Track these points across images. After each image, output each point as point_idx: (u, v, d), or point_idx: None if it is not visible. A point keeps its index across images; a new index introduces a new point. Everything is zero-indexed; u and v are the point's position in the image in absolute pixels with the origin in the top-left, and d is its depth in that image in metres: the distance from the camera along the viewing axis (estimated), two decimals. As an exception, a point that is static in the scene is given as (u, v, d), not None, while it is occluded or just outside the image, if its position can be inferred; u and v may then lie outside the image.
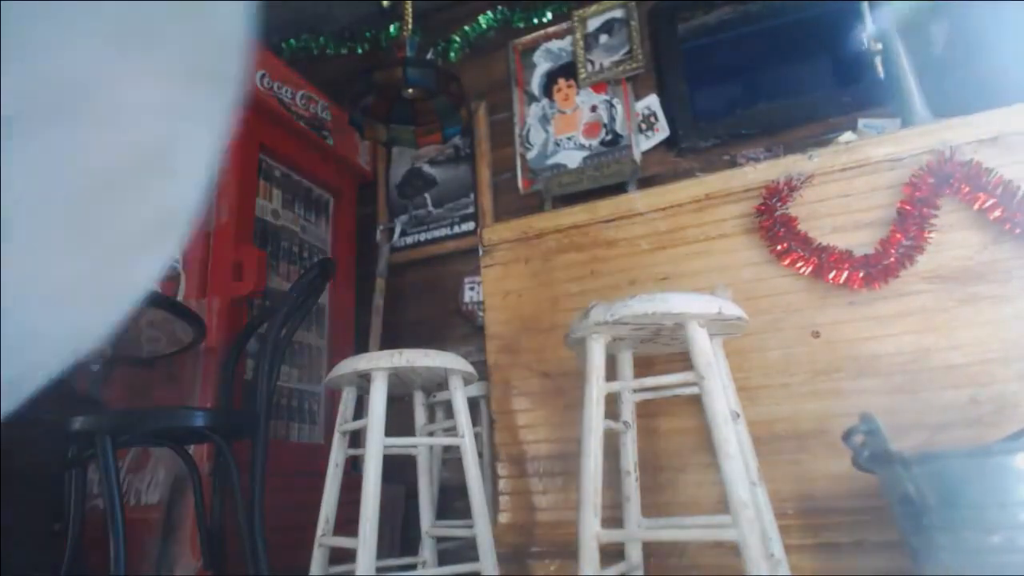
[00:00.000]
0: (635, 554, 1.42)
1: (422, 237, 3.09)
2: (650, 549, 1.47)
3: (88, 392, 2.03)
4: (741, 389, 1.40)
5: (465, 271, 2.90)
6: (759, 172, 1.58)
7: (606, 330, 1.26)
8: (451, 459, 2.35)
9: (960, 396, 1.32)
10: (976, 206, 1.36)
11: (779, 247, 1.50)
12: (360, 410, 1.53)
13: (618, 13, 2.90)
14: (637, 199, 1.72)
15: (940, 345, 1.36)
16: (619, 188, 2.51)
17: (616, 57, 2.86)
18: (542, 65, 3.04)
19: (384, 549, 1.39)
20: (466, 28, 3.18)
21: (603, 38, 2.91)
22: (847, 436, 1.13)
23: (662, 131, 2.71)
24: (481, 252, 1.88)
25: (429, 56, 3.18)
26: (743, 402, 1.39)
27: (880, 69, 1.94)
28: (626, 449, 1.44)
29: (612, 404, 1.46)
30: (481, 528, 1.46)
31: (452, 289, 2.93)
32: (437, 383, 1.69)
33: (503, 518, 1.68)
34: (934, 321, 1.37)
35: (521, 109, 3.02)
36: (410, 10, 2.70)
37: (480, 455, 1.70)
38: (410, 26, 2.68)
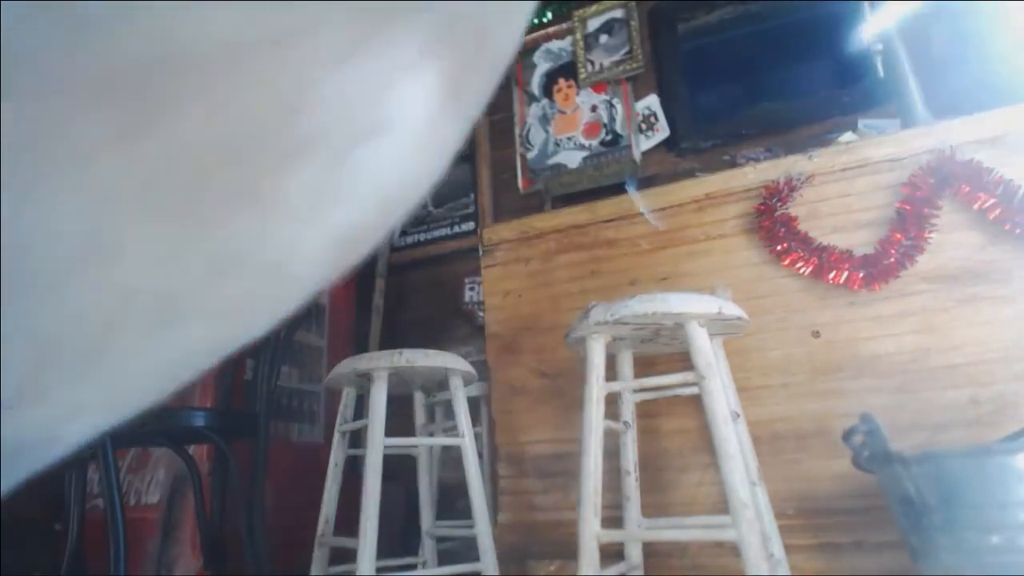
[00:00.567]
0: (635, 554, 1.42)
1: (422, 237, 3.09)
2: (650, 549, 1.47)
3: (88, 392, 2.03)
4: (741, 389, 1.40)
5: (465, 271, 2.90)
6: (759, 172, 1.58)
7: (606, 330, 1.26)
8: (451, 459, 2.35)
9: (960, 396, 1.32)
10: (976, 206, 1.36)
11: (779, 247, 1.50)
12: (360, 410, 1.53)
13: (618, 13, 2.90)
14: (637, 199, 1.72)
15: (940, 345, 1.36)
16: (619, 188, 2.51)
17: (616, 57, 2.86)
18: (542, 65, 3.04)
19: (384, 549, 1.38)
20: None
21: (603, 38, 2.91)
22: (847, 436, 1.13)
23: (662, 131, 2.71)
24: (481, 252, 1.88)
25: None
26: (743, 402, 1.39)
27: (880, 69, 1.95)
28: (626, 449, 1.44)
29: (612, 404, 1.46)
30: (481, 528, 1.46)
31: (452, 289, 2.93)
32: (437, 383, 1.69)
33: (503, 518, 1.68)
34: (934, 321, 1.37)
35: (521, 109, 3.02)
36: (410, 10, 2.69)
37: (480, 455, 1.70)
38: (410, 26, 2.67)
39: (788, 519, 1.35)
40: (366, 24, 0.16)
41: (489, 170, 3.02)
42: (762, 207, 1.53)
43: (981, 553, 0.94)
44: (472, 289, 2.85)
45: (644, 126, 2.75)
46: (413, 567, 1.66)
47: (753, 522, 1.04)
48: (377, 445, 1.38)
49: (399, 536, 2.45)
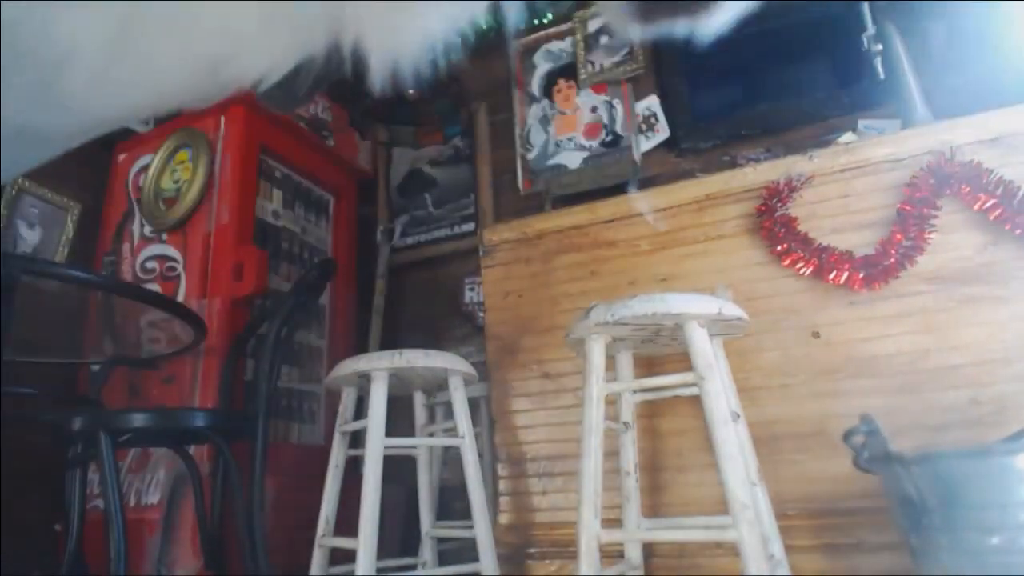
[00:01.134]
0: (635, 554, 1.42)
1: (422, 238, 3.09)
2: (650, 549, 1.47)
3: (88, 392, 2.03)
4: (741, 389, 1.40)
5: (465, 271, 2.90)
6: (759, 173, 1.58)
7: (606, 330, 1.26)
8: (451, 459, 2.35)
9: (960, 397, 1.32)
10: (976, 207, 1.36)
11: (779, 248, 1.50)
12: (360, 410, 1.53)
13: (618, 14, 2.90)
14: (638, 200, 1.72)
15: (940, 345, 1.36)
16: (619, 189, 2.51)
17: (616, 58, 2.86)
18: (542, 66, 3.04)
19: (384, 549, 1.38)
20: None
21: (603, 39, 2.91)
22: (847, 436, 1.13)
23: (662, 132, 2.71)
24: (481, 252, 1.88)
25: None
26: (743, 402, 1.39)
27: (880, 69, 1.94)
28: (626, 449, 1.44)
29: (612, 404, 1.46)
30: (481, 528, 1.46)
31: (452, 289, 2.93)
32: (437, 383, 1.69)
33: (503, 518, 1.68)
34: (934, 321, 1.37)
35: (521, 110, 3.02)
36: (410, 11, 2.70)
37: (480, 455, 1.70)
38: (410, 27, 2.68)
39: (788, 519, 1.35)
40: None
41: (489, 171, 3.02)
42: (762, 208, 1.53)
43: (981, 553, 0.94)
44: (472, 289, 2.85)
45: (644, 127, 2.75)
46: (413, 567, 1.66)
47: (753, 522, 1.04)
48: (377, 445, 1.38)
49: (399, 536, 2.45)
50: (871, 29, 1.88)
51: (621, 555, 1.44)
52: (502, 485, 1.70)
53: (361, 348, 2.81)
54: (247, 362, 2.29)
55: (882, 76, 1.95)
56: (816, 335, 1.46)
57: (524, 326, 1.77)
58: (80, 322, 2.47)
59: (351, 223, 3.10)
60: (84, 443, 1.48)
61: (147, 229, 2.52)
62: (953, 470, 0.97)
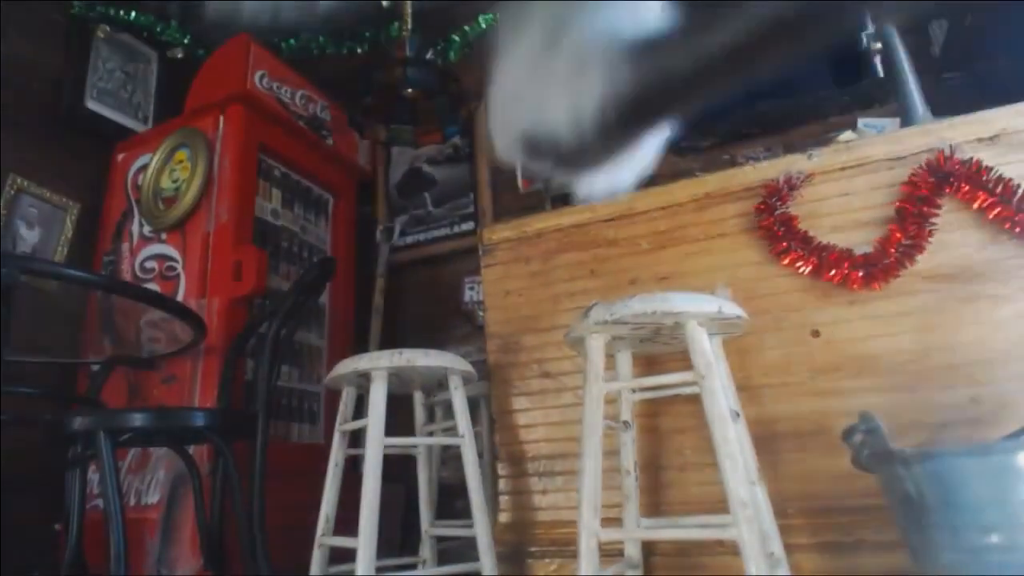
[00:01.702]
0: (635, 554, 1.42)
1: (422, 237, 3.09)
2: (650, 548, 1.47)
3: (88, 392, 2.03)
4: (741, 388, 1.40)
5: (465, 271, 2.89)
6: (759, 171, 1.58)
7: (606, 329, 1.26)
8: (451, 459, 2.35)
9: (960, 395, 1.32)
10: (976, 205, 1.36)
11: (779, 246, 1.50)
12: (360, 410, 1.53)
13: (618, 13, 2.90)
14: (637, 199, 1.72)
15: (940, 344, 1.36)
16: (619, 188, 2.51)
17: (616, 57, 2.86)
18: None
19: (384, 549, 1.38)
20: (466, 28, 3.17)
21: (603, 38, 2.91)
22: (847, 435, 1.13)
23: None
24: (481, 252, 1.88)
25: (429, 56, 3.17)
26: (743, 401, 1.39)
27: (880, 69, 1.94)
28: (626, 449, 1.44)
29: (612, 404, 1.46)
30: (481, 528, 1.46)
31: (452, 289, 2.93)
32: (437, 383, 1.69)
33: (503, 518, 1.68)
34: (934, 320, 1.37)
35: (521, 109, 3.01)
36: (410, 10, 2.70)
37: (480, 455, 1.70)
38: (410, 26, 2.68)
39: (788, 518, 1.35)
40: None
41: (489, 170, 3.02)
42: (762, 206, 1.53)
43: (981, 552, 0.94)
44: (472, 289, 2.85)
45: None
46: (413, 567, 1.66)
47: (753, 521, 1.04)
48: (377, 445, 1.38)
49: (399, 535, 2.45)
50: (871, 28, 1.88)
51: (621, 554, 1.44)
52: (502, 484, 1.70)
53: (361, 347, 2.81)
54: (247, 362, 2.29)
55: (882, 75, 1.95)
56: (816, 334, 1.46)
57: (524, 325, 1.77)
58: (80, 322, 2.47)
59: (350, 222, 3.09)
60: (84, 443, 1.48)
61: (146, 229, 2.52)
62: (953, 469, 0.97)
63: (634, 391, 1.48)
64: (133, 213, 2.58)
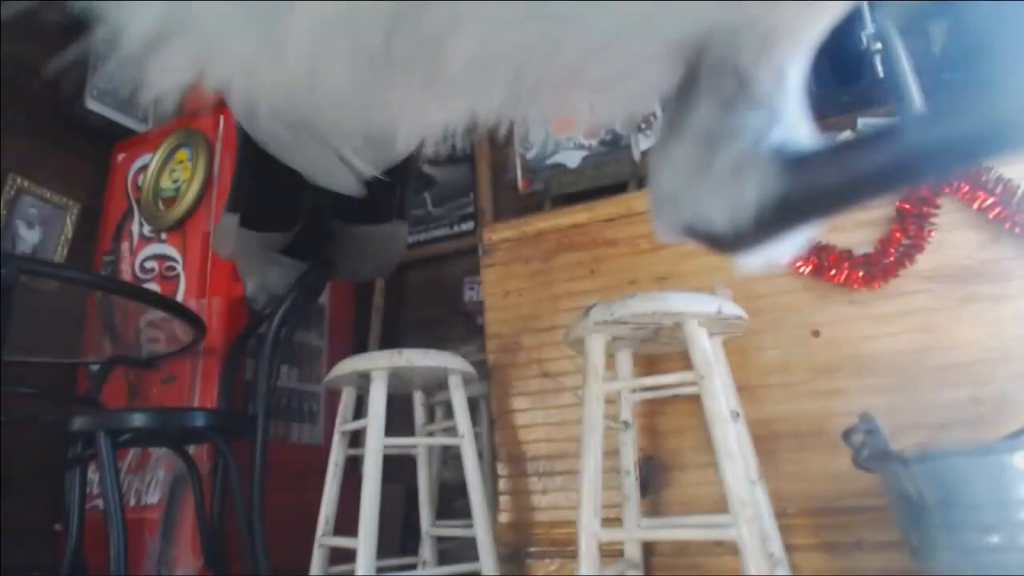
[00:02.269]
0: (635, 553, 1.42)
1: (422, 237, 3.09)
2: (650, 548, 1.47)
3: (88, 392, 2.03)
4: (741, 388, 1.40)
5: (465, 271, 2.89)
6: (759, 171, 1.58)
7: (606, 329, 1.26)
8: (451, 459, 2.35)
9: (960, 395, 1.32)
10: (976, 205, 1.36)
11: (779, 246, 1.50)
12: (360, 410, 1.53)
13: (618, 13, 2.90)
14: (637, 199, 1.72)
15: (940, 344, 1.36)
16: (619, 188, 2.51)
17: (616, 57, 2.86)
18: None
19: (384, 549, 1.38)
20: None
21: (603, 38, 2.91)
22: (847, 435, 1.13)
23: (662, 131, 2.70)
24: (481, 252, 1.88)
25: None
26: (743, 401, 1.39)
27: (880, 69, 1.94)
28: (626, 449, 1.44)
29: (612, 404, 1.46)
30: (481, 528, 1.46)
31: (452, 289, 2.93)
32: (437, 383, 1.69)
33: (503, 518, 1.68)
34: (934, 320, 1.37)
35: (521, 109, 3.01)
36: (410, 10, 2.69)
37: (480, 455, 1.70)
38: (410, 26, 2.67)
39: (788, 518, 1.35)
40: None
41: (488, 170, 3.02)
42: (762, 206, 1.53)
43: (981, 552, 0.94)
44: (472, 289, 2.85)
45: (644, 125, 2.74)
46: (413, 567, 1.66)
47: (753, 521, 1.04)
48: (377, 445, 1.38)
49: (399, 536, 2.45)
50: (871, 28, 1.88)
51: (621, 554, 1.44)
52: (502, 484, 1.70)
53: (361, 348, 2.81)
54: (247, 362, 2.29)
55: (881, 75, 1.95)
56: (816, 334, 1.46)
57: (524, 325, 1.77)
58: (80, 322, 2.47)
59: (351, 222, 3.09)
60: (84, 443, 1.48)
61: (146, 229, 2.52)
62: (953, 468, 0.97)
63: (634, 391, 1.48)
64: (133, 213, 2.58)
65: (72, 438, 1.49)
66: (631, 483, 1.42)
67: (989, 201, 1.34)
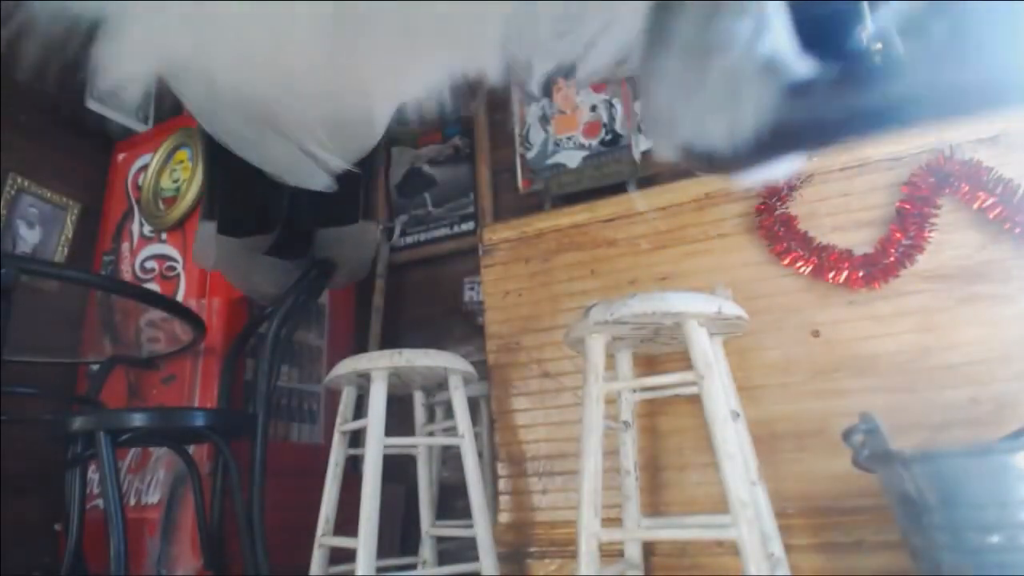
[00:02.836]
0: (635, 553, 1.42)
1: (422, 237, 3.09)
2: (650, 549, 1.47)
3: (88, 392, 2.03)
4: (741, 389, 1.40)
5: (465, 271, 2.89)
6: (759, 172, 1.58)
7: (606, 329, 1.26)
8: (451, 459, 2.35)
9: (960, 395, 1.32)
10: (976, 205, 1.36)
11: (779, 246, 1.50)
12: (360, 410, 1.53)
13: (618, 13, 2.89)
14: (637, 199, 1.72)
15: (940, 344, 1.36)
16: (619, 188, 2.51)
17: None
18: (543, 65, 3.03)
19: (384, 549, 1.38)
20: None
21: (603, 38, 2.91)
22: (847, 435, 1.13)
23: (662, 131, 2.70)
24: (481, 252, 1.88)
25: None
26: (743, 401, 1.39)
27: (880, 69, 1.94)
28: (626, 449, 1.44)
29: (612, 404, 1.46)
30: (481, 528, 1.46)
31: (452, 289, 2.93)
32: (437, 383, 1.69)
33: (503, 518, 1.68)
34: (934, 320, 1.37)
35: (520, 109, 3.01)
36: (410, 10, 2.69)
37: (480, 455, 1.70)
38: (410, 26, 2.67)
39: (788, 518, 1.35)
40: None
41: (489, 170, 3.02)
42: (762, 207, 1.53)
43: (981, 552, 0.94)
44: (472, 289, 2.85)
45: (644, 126, 2.74)
46: (413, 567, 1.66)
47: (753, 521, 1.04)
48: (377, 445, 1.38)
49: (399, 536, 2.45)
50: (870, 28, 1.88)
51: (621, 554, 1.44)
52: (502, 484, 1.70)
53: (361, 347, 2.81)
54: (247, 362, 2.29)
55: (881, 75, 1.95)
56: (816, 334, 1.46)
57: (524, 325, 1.77)
58: (80, 322, 2.47)
59: (351, 222, 3.09)
60: (84, 443, 1.48)
61: (146, 229, 2.52)
62: (953, 469, 0.97)
63: (634, 391, 1.48)
64: (133, 213, 2.58)
65: (72, 438, 1.49)
66: (631, 483, 1.42)
67: (989, 201, 1.34)
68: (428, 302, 3.01)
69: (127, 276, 2.47)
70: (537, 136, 2.94)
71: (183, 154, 2.51)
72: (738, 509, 1.04)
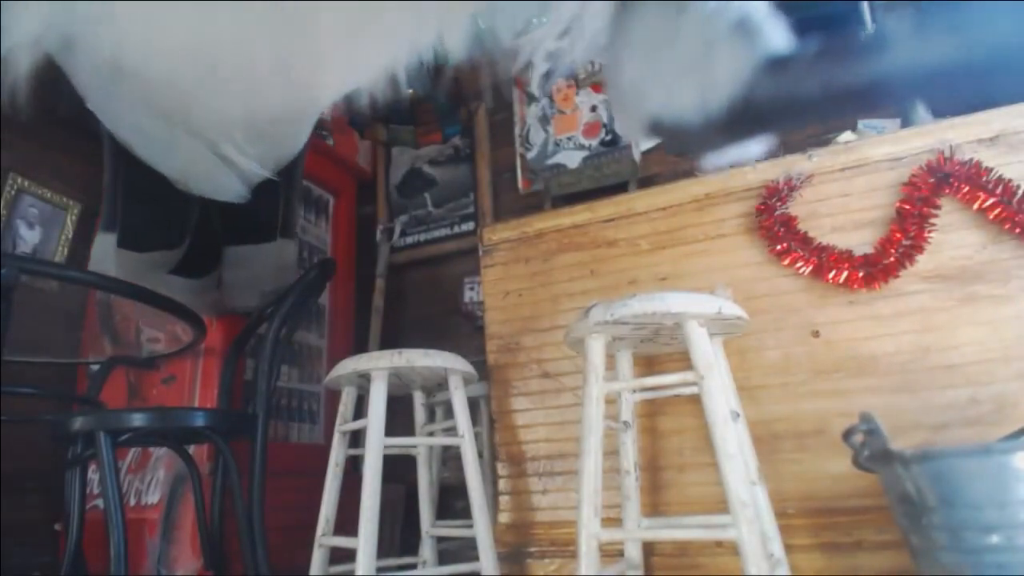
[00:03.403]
0: (635, 553, 1.42)
1: (422, 237, 3.09)
2: (650, 549, 1.47)
3: (88, 392, 2.03)
4: (741, 389, 1.40)
5: (465, 271, 2.89)
6: (759, 172, 1.58)
7: (606, 330, 1.26)
8: (451, 459, 2.35)
9: (960, 395, 1.32)
10: (976, 206, 1.36)
11: (779, 247, 1.50)
12: (360, 410, 1.53)
13: (618, 13, 2.90)
14: (637, 199, 1.72)
15: (940, 344, 1.36)
16: (619, 188, 2.51)
17: (616, 57, 2.86)
18: (541, 65, 3.03)
19: (384, 549, 1.39)
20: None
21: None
22: (847, 435, 1.13)
23: (662, 131, 2.70)
24: (481, 252, 1.88)
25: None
26: (743, 402, 1.39)
27: (880, 69, 1.94)
28: (626, 449, 1.44)
29: (612, 404, 1.46)
30: (481, 528, 1.46)
31: (452, 289, 2.93)
32: (437, 383, 1.69)
33: (503, 518, 1.68)
34: (934, 320, 1.37)
35: (521, 109, 3.02)
36: (410, 10, 2.70)
37: (480, 455, 1.70)
38: (410, 26, 2.68)
39: (788, 518, 1.35)
40: None
41: (489, 170, 3.02)
42: (762, 207, 1.53)
43: (981, 552, 0.94)
44: (472, 289, 2.85)
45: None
46: (413, 567, 1.66)
47: (753, 521, 1.04)
48: (377, 445, 1.38)
49: (399, 536, 2.45)
50: (871, 28, 1.88)
51: (621, 554, 1.44)
52: (502, 484, 1.70)
53: (361, 348, 2.81)
54: (247, 362, 2.29)
55: (881, 75, 1.95)
56: (816, 334, 1.46)
57: (524, 325, 1.77)
58: (80, 322, 2.47)
59: (351, 222, 3.10)
60: (84, 443, 1.48)
61: (147, 229, 2.51)
62: (952, 469, 0.97)
63: (634, 391, 1.48)
64: (133, 213, 2.58)
65: (72, 438, 1.49)
66: (631, 483, 1.42)
67: (989, 201, 1.34)
68: (428, 302, 3.01)
69: (127, 276, 2.47)
70: (537, 136, 2.94)
71: (183, 154, 2.51)
72: (738, 509, 1.04)
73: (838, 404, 1.40)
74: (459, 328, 2.89)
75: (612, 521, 1.46)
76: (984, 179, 1.35)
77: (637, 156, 2.69)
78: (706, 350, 1.16)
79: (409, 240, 3.11)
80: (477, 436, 1.86)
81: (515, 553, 1.62)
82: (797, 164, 1.54)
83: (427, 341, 2.78)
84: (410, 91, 2.56)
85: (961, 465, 0.97)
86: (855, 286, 1.42)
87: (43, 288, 2.29)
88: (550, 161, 2.88)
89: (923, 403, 1.34)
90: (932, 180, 1.39)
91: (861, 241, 1.46)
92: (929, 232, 1.39)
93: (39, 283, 2.23)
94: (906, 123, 1.71)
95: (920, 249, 1.39)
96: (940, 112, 1.61)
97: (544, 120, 2.96)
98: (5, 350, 1.26)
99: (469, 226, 2.98)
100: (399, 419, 1.80)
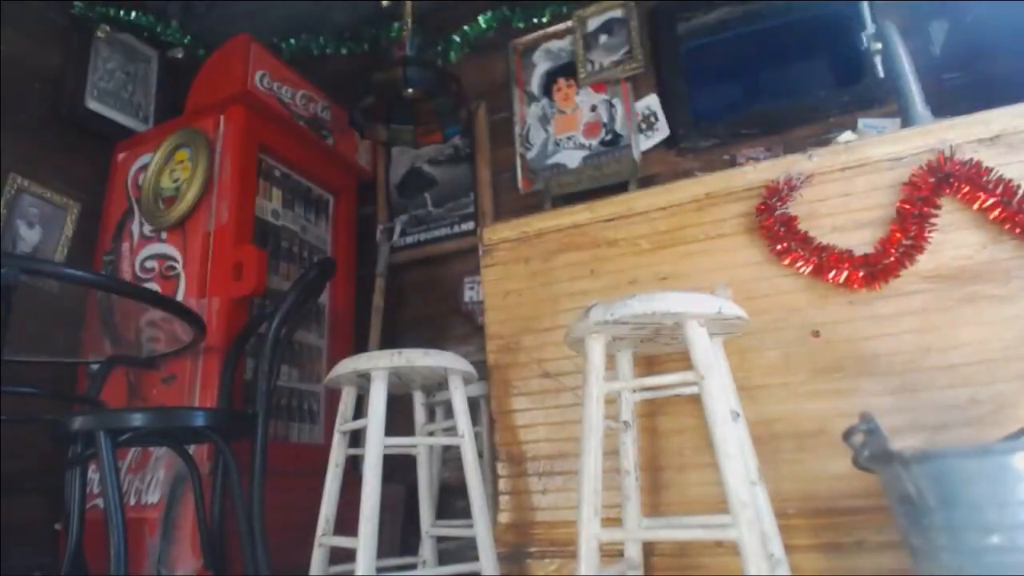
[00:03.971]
0: (635, 553, 1.42)
1: (422, 237, 3.09)
2: (650, 549, 1.47)
3: (88, 392, 2.03)
4: (741, 389, 1.40)
5: (465, 271, 2.90)
6: (759, 172, 1.58)
7: (606, 330, 1.26)
8: (451, 459, 2.35)
9: (960, 395, 1.32)
10: (976, 206, 1.36)
11: (779, 246, 1.50)
12: (360, 410, 1.53)
13: (618, 13, 2.90)
14: (637, 199, 1.72)
15: (940, 344, 1.36)
16: (619, 188, 2.51)
17: (616, 57, 2.86)
18: (542, 65, 3.04)
19: (384, 549, 1.39)
20: (466, 28, 3.17)
21: (603, 38, 2.91)
22: (847, 435, 1.13)
23: (662, 131, 2.71)
24: (481, 252, 1.88)
25: (429, 56, 3.18)
26: (743, 402, 1.39)
27: (880, 69, 1.94)
28: (626, 449, 1.44)
29: (612, 404, 1.46)
30: (481, 528, 1.46)
31: (452, 289, 2.93)
32: (437, 383, 1.69)
33: (503, 518, 1.68)
34: (934, 320, 1.37)
35: (521, 109, 3.02)
36: (410, 10, 2.70)
37: (480, 455, 1.70)
38: (410, 26, 2.68)
39: (788, 519, 1.35)
40: None
41: (489, 170, 3.02)
42: (762, 207, 1.53)
43: (981, 553, 0.94)
44: (472, 289, 2.85)
45: (644, 126, 2.75)
46: (413, 567, 1.66)
47: (753, 522, 1.04)
48: (377, 445, 1.38)
49: (399, 536, 2.45)
50: (871, 28, 1.88)
51: (621, 554, 1.44)
52: (502, 484, 1.70)
53: (361, 347, 2.81)
54: (247, 361, 2.29)
55: (882, 75, 1.95)
56: (816, 334, 1.46)
57: (524, 325, 1.77)
58: (80, 322, 2.47)
59: (351, 222, 3.10)
60: (84, 443, 1.48)
61: (146, 228, 2.52)
62: (953, 469, 0.97)
63: (634, 391, 1.48)
64: (133, 213, 2.58)
65: (72, 438, 1.49)
66: (631, 483, 1.42)
67: (989, 201, 1.34)
68: (428, 302, 3.01)
69: (127, 276, 2.47)
70: (537, 136, 2.95)
71: (183, 154, 2.51)
72: (738, 509, 1.04)
73: (838, 404, 1.40)
74: (459, 328, 2.89)
75: (612, 521, 1.46)
76: (984, 179, 1.35)
77: (637, 156, 2.69)
78: (706, 350, 1.16)
79: (409, 240, 3.11)
80: (477, 436, 1.86)
81: (515, 553, 1.62)
82: (797, 164, 1.54)
83: (427, 341, 2.80)
84: (410, 91, 2.55)
85: (961, 465, 0.97)
86: (855, 286, 1.42)
87: (43, 288, 2.29)
88: (550, 161, 2.88)
89: (923, 403, 1.34)
90: (932, 180, 1.39)
91: (861, 241, 1.45)
92: (929, 232, 1.39)
93: (39, 283, 2.24)
94: (906, 123, 1.71)
95: (920, 249, 1.39)
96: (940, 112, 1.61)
97: (544, 120, 2.96)
98: (5, 350, 1.26)
99: (469, 226, 2.98)
100: (399, 419, 1.80)
